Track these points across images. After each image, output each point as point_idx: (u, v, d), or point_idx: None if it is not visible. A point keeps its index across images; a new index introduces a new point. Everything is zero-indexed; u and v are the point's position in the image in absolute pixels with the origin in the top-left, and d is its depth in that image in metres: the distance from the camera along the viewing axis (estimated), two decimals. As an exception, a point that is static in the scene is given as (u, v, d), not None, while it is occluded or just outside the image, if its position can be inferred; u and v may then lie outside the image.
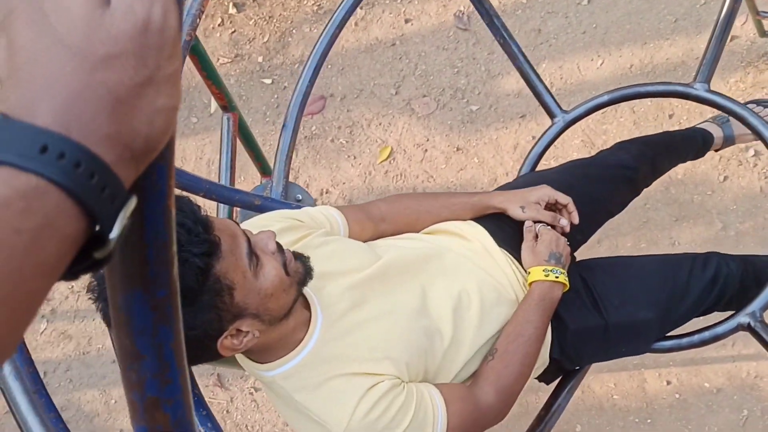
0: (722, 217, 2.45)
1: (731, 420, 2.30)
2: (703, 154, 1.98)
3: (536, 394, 2.34)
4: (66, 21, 0.38)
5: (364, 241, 1.37)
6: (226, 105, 1.69)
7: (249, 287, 0.99)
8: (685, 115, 2.54)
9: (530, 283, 1.38)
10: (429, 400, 1.15)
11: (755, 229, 2.40)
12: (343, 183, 2.77)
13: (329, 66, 2.90)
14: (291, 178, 2.79)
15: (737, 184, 2.46)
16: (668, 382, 2.38)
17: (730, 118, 1.99)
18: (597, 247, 2.51)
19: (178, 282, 0.42)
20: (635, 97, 1.54)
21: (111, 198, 0.37)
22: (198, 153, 2.92)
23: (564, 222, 1.44)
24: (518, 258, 1.43)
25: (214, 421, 1.07)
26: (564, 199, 1.44)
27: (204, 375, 2.63)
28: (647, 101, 2.59)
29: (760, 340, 1.35)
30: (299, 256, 1.10)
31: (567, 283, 1.37)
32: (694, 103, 2.54)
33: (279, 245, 1.08)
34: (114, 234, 0.37)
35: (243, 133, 1.81)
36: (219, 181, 1.58)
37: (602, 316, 1.39)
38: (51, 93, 0.37)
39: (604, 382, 2.43)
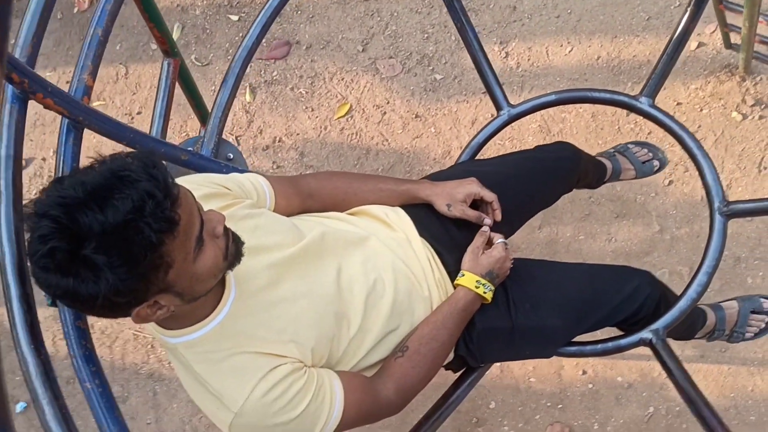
0: (661, 220, 2.49)
1: (637, 415, 2.39)
2: (599, 185, 2.06)
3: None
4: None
5: (289, 216, 1.36)
6: (168, 50, 1.63)
7: (185, 269, 0.97)
8: (642, 115, 2.55)
9: (457, 285, 1.39)
10: (328, 386, 1.16)
11: (690, 237, 2.45)
12: (297, 134, 2.74)
13: (299, 12, 2.84)
14: (244, 121, 2.76)
15: (680, 190, 2.50)
16: (584, 372, 2.45)
17: (617, 153, 2.09)
18: (537, 233, 2.55)
19: None
20: (582, 101, 1.54)
21: None
22: (153, 81, 2.85)
23: (488, 221, 1.45)
24: (439, 251, 1.43)
25: (102, 377, 1.07)
26: (489, 196, 1.44)
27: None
28: (609, 95, 2.60)
29: (659, 358, 1.39)
30: (237, 239, 1.08)
31: (490, 300, 1.39)
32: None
33: (226, 229, 1.06)
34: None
35: (184, 80, 1.75)
36: (151, 130, 1.54)
37: (510, 318, 1.41)
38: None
39: (523, 364, 2.49)
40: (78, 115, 1.17)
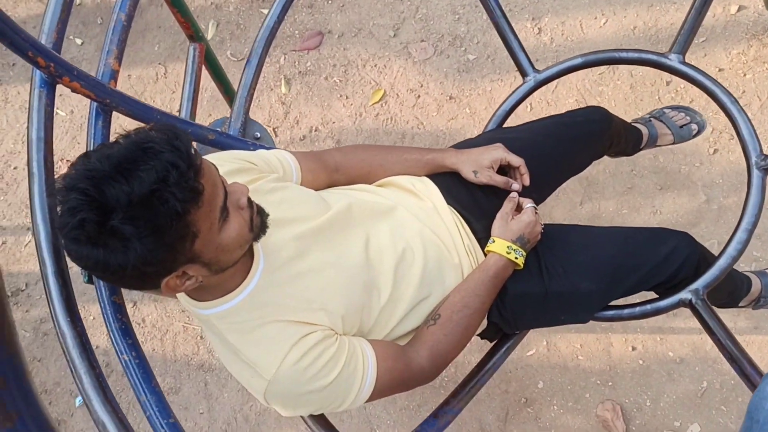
0: (707, 190, 2.42)
1: (690, 390, 2.33)
2: (636, 151, 1.99)
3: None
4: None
5: (316, 190, 1.37)
6: (192, 34, 1.66)
7: (210, 239, 0.99)
8: (682, 83, 2.48)
9: (489, 251, 1.38)
10: (360, 354, 1.16)
11: (738, 206, 2.37)
12: (333, 122, 2.76)
13: (329, 1, 2.86)
14: (280, 112, 2.79)
15: (726, 158, 2.42)
16: (633, 348, 2.40)
17: (652, 119, 2.01)
18: (579, 208, 2.50)
19: None
20: (609, 62, 1.50)
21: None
22: (192, 80, 2.90)
23: (516, 186, 1.43)
24: (467, 218, 1.42)
25: (138, 350, 1.09)
26: (516, 161, 1.42)
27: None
28: (647, 65, 2.54)
29: (699, 318, 1.35)
30: (261, 212, 1.10)
31: (522, 266, 1.37)
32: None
33: (250, 200, 1.08)
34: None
35: (210, 64, 1.78)
36: (180, 113, 1.58)
37: (543, 283, 1.39)
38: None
39: (570, 342, 2.45)
40: (105, 98, 1.21)
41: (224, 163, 1.24)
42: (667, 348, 2.38)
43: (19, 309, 2.71)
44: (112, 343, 1.16)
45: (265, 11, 2.90)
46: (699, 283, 1.37)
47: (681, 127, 2.06)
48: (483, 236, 1.42)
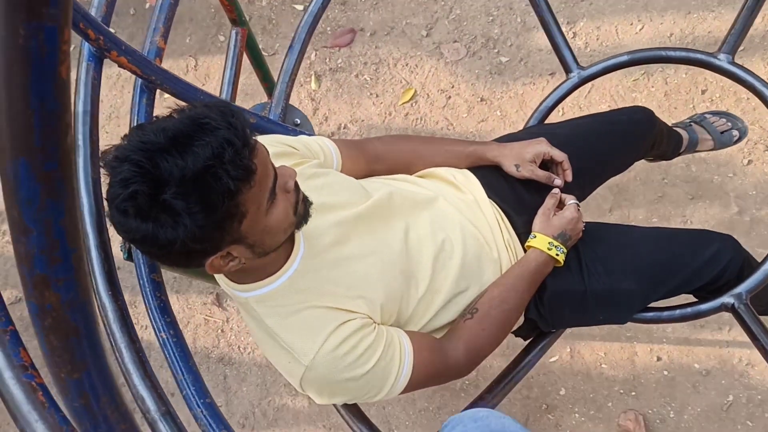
0: (740, 201, 2.39)
1: (715, 403, 2.29)
2: (675, 156, 1.95)
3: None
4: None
5: (356, 178, 1.36)
6: (236, 18, 1.66)
7: (257, 220, 0.98)
8: (717, 92, 2.46)
9: (529, 247, 1.36)
10: (398, 344, 1.15)
11: (771, 217, 2.34)
12: (362, 120, 2.75)
13: (363, -1, 2.86)
14: (309, 109, 2.78)
15: (761, 170, 2.39)
16: (659, 358, 2.36)
17: (693, 123, 1.98)
18: (608, 215, 2.48)
19: (72, 156, 0.40)
20: (656, 60, 1.48)
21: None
22: (221, 72, 2.90)
23: (558, 182, 1.41)
24: (508, 212, 1.41)
25: (177, 328, 1.08)
26: (559, 156, 1.41)
27: (204, 292, 2.68)
28: (682, 74, 2.51)
29: (742, 323, 1.32)
30: (305, 200, 1.09)
31: (562, 263, 1.35)
32: (729, 81, 2.47)
33: (296, 185, 1.07)
34: None
35: (251, 50, 1.78)
36: (221, 96, 1.57)
37: (583, 281, 1.37)
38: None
39: (594, 350, 2.42)
40: (150, 75, 1.20)
41: (267, 146, 1.24)
42: (692, 359, 2.35)
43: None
44: (150, 320, 1.15)
45: (298, 7, 2.90)
46: (742, 288, 1.34)
47: (722, 132, 2.03)
48: (523, 231, 1.40)
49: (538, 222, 1.37)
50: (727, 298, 1.34)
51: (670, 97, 2.50)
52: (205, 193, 0.89)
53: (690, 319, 1.37)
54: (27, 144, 0.38)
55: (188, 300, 2.67)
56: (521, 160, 1.41)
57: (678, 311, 1.39)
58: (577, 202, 1.40)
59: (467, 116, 2.67)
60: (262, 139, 1.30)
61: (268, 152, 1.01)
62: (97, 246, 1.08)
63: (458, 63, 2.72)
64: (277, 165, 1.07)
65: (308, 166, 1.26)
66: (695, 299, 1.46)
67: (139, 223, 0.89)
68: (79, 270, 0.44)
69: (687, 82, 2.50)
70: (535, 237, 1.35)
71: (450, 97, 2.70)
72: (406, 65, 2.76)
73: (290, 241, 1.14)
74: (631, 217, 2.46)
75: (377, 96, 2.76)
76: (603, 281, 1.37)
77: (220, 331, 2.66)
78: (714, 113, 2.09)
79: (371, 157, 1.42)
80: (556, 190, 1.41)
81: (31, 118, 0.38)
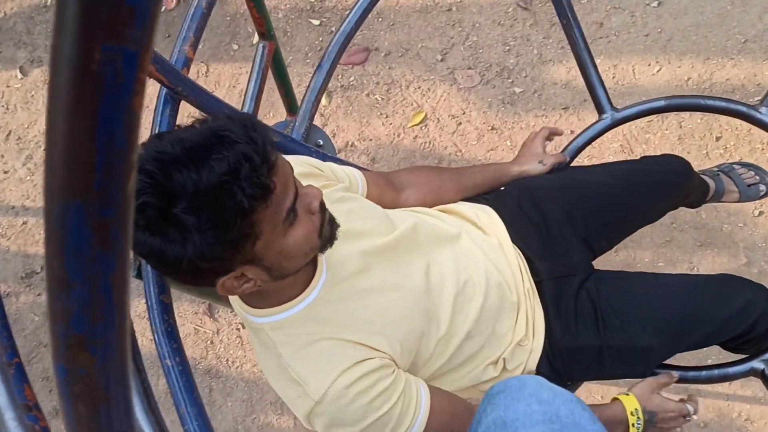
0: (748, 252, 2.36)
1: (711, 457, 2.25)
2: (700, 205, 1.92)
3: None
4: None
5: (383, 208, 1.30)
6: (265, 32, 1.61)
7: (273, 241, 0.92)
8: (732, 140, 2.43)
9: (617, 399, 1.29)
10: (415, 395, 1.07)
11: (779, 271, 2.32)
12: (370, 139, 2.70)
13: (380, 19, 2.81)
14: (318, 124, 2.73)
15: (771, 222, 2.36)
16: (656, 406, 2.32)
17: (721, 173, 1.95)
18: (612, 255, 2.43)
19: (132, 204, 0.34)
20: (694, 108, 1.44)
21: None
22: (232, 81, 2.85)
23: (674, 375, 1.39)
24: (530, 258, 1.36)
25: (183, 356, 1.02)
26: (559, 130, 1.55)
27: (196, 302, 2.60)
28: (697, 119, 2.49)
29: (769, 388, 1.27)
30: (332, 221, 1.03)
31: None
32: (744, 129, 2.45)
33: (323, 206, 1.01)
34: None
35: (277, 65, 1.73)
36: (242, 109, 1.51)
37: (599, 336, 1.31)
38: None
39: (591, 392, 2.37)
40: (177, 85, 1.14)
41: (294, 165, 1.18)
42: (690, 410, 2.30)
43: (32, 292, 2.63)
44: (156, 345, 1.09)
45: (315, 22, 2.86)
46: (773, 352, 1.29)
47: (749, 186, 1.98)
48: (545, 278, 1.35)
49: (640, 386, 1.30)
50: (757, 363, 1.29)
51: (684, 141, 2.48)
52: (217, 209, 0.83)
53: (717, 381, 1.32)
54: (86, 186, 0.32)
55: (179, 308, 2.59)
56: (539, 156, 1.49)
57: (704, 372, 1.33)
58: (691, 411, 1.31)
59: (476, 144, 2.63)
60: (288, 158, 1.25)
61: (292, 169, 0.96)
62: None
63: (471, 90, 2.68)
64: (310, 184, 1.02)
65: (335, 189, 1.20)
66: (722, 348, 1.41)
67: (147, 237, 0.84)
68: (120, 332, 0.38)
69: (702, 127, 2.48)
70: (628, 395, 1.28)
71: (460, 123, 2.66)
72: (419, 88, 2.72)
73: (312, 265, 1.07)
74: (636, 259, 2.43)
75: (387, 116, 2.71)
76: (620, 336, 1.31)
77: (209, 342, 2.59)
78: (743, 164, 2.04)
79: (398, 186, 1.38)
80: (675, 374, 1.37)
81: (93, 157, 0.32)
